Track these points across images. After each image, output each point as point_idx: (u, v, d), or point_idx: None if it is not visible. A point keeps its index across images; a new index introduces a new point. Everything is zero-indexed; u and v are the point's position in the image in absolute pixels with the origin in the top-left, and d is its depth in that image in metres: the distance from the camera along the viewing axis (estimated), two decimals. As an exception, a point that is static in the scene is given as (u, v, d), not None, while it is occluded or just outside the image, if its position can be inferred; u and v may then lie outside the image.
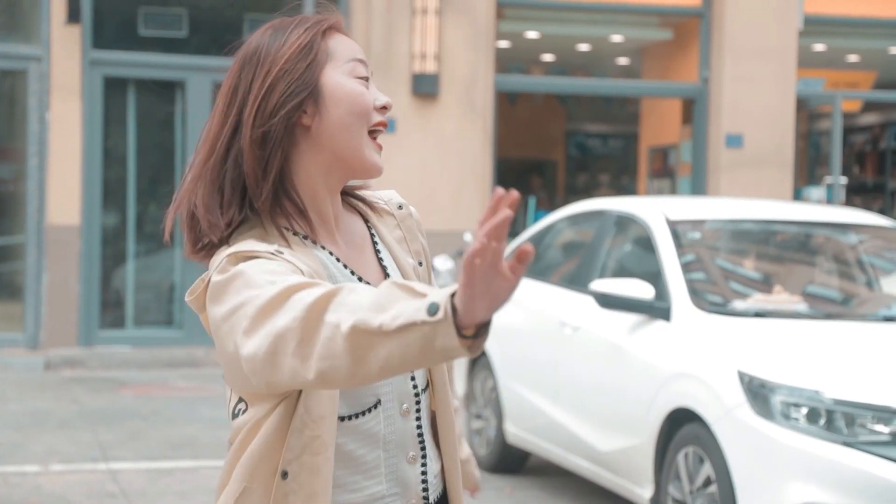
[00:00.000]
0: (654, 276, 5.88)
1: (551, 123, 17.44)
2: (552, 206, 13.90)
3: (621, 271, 6.42)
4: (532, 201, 13.75)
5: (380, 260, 2.00)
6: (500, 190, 1.52)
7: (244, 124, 1.88)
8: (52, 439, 7.61)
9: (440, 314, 1.54)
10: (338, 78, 1.90)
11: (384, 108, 1.93)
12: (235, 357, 1.75)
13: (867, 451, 4.57)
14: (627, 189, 15.67)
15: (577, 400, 6.26)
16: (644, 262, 6.18)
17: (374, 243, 2.01)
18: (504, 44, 12.18)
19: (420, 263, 2.06)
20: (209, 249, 1.90)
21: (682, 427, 5.32)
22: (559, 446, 6.40)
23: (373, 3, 11.05)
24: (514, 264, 1.53)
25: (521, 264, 1.52)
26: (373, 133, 1.93)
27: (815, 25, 12.18)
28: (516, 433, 6.89)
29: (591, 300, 6.09)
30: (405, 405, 1.93)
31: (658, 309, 5.70)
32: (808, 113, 14.72)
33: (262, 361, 1.69)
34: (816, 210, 7.00)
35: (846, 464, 4.57)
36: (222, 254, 1.83)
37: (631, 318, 5.86)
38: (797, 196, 12.55)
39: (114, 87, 10.98)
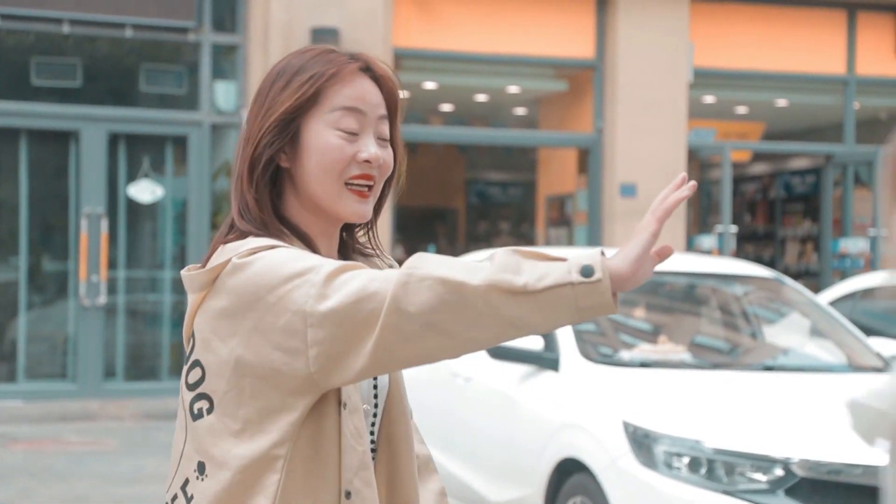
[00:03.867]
0: (544, 328, 5.95)
1: (452, 172, 17.59)
2: (454, 253, 13.98)
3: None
4: (432, 249, 13.84)
5: None
6: (684, 174, 1.74)
7: (242, 155, 1.89)
8: (-63, 498, 7.44)
9: (597, 275, 1.61)
10: (316, 128, 1.87)
11: (367, 162, 1.88)
12: (292, 322, 1.71)
13: (746, 500, 4.67)
14: (527, 237, 15.83)
15: (470, 451, 6.30)
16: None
17: None
18: (402, 94, 12.28)
19: None
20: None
21: (570, 477, 5.38)
22: (453, 497, 6.42)
23: (271, 51, 11.07)
24: (657, 253, 1.69)
25: (661, 259, 1.69)
26: (353, 185, 1.89)
27: (704, 78, 12.50)
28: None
29: (482, 351, 6.15)
30: (366, 406, 1.95)
31: (547, 360, 5.77)
32: (699, 163, 15.06)
33: (350, 308, 1.67)
34: (703, 261, 7.16)
35: (726, 512, 4.66)
36: (243, 245, 1.81)
37: (521, 368, 5.93)
38: (690, 244, 12.80)
39: (5, 138, 10.83)
